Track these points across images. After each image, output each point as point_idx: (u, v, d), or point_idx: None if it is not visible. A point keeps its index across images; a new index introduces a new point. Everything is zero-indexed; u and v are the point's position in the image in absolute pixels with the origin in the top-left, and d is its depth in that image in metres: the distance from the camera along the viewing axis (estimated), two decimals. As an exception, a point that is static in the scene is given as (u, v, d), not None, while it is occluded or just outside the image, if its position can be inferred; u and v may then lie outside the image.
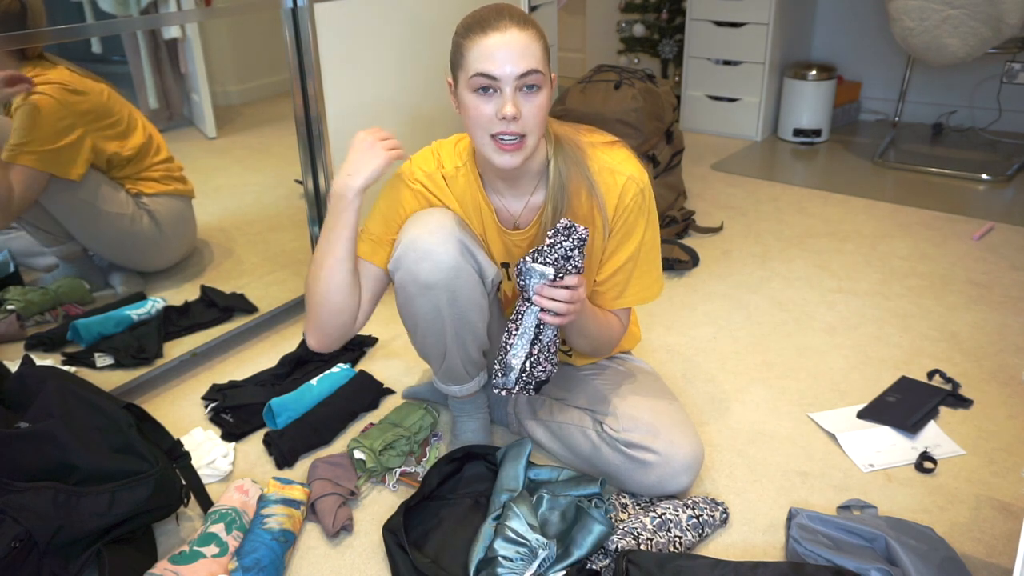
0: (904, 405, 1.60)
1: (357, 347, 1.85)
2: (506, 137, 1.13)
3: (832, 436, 1.53)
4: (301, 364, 1.78)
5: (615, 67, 2.46)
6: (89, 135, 1.78)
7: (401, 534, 1.23)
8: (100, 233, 1.91)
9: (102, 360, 1.74)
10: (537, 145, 1.19)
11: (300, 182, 1.99)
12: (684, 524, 1.25)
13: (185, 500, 1.31)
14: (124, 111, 1.88)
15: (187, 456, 1.36)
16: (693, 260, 2.27)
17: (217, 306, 1.96)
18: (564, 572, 1.16)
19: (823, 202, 2.73)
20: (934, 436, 1.52)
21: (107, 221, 1.89)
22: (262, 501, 1.31)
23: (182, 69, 2.26)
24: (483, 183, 1.28)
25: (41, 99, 1.68)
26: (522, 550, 1.16)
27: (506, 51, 1.09)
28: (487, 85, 1.11)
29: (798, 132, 3.37)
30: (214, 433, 1.56)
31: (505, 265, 1.35)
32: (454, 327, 1.27)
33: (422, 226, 1.22)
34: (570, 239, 1.11)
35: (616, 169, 1.24)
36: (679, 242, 2.34)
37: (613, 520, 1.28)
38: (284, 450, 1.48)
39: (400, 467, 1.43)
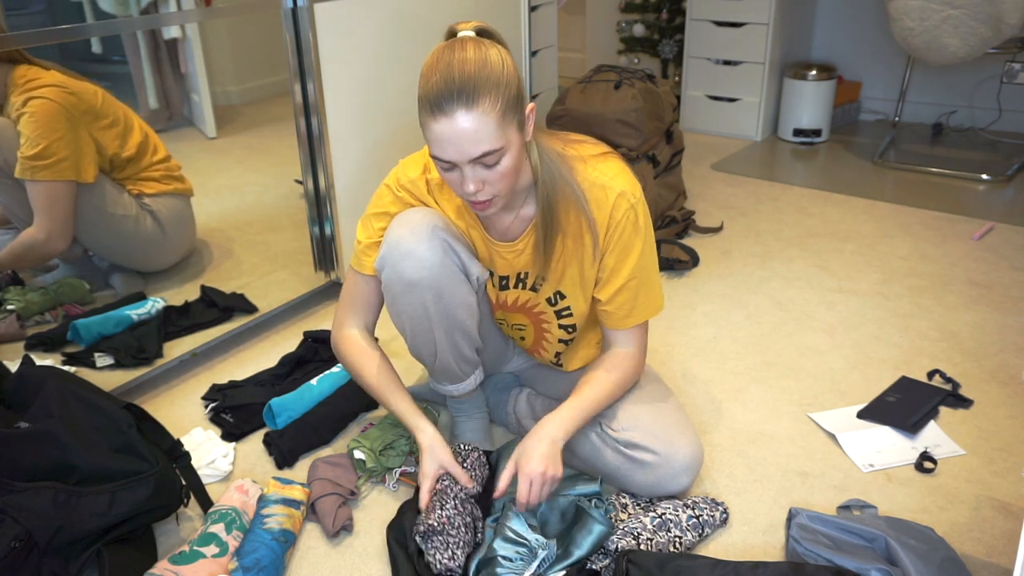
0: (904, 405, 1.60)
1: (357, 347, 1.85)
2: (475, 202, 1.14)
3: (832, 436, 1.53)
4: (301, 364, 1.78)
5: (615, 67, 2.46)
6: (91, 134, 1.79)
7: (404, 534, 1.23)
8: (105, 235, 1.91)
9: (102, 360, 1.74)
10: (511, 192, 1.18)
11: (300, 182, 1.99)
12: (684, 524, 1.25)
13: (185, 500, 1.31)
14: (119, 112, 1.88)
15: (187, 456, 1.36)
16: (693, 260, 2.27)
17: (217, 306, 1.96)
18: (564, 572, 1.16)
19: (823, 202, 2.73)
20: (934, 436, 1.52)
21: (112, 223, 1.90)
22: (262, 501, 1.31)
23: (182, 69, 2.26)
24: None
25: (43, 104, 1.68)
26: (522, 550, 1.16)
27: (455, 139, 1.06)
28: (445, 167, 1.12)
29: (798, 132, 3.37)
30: (214, 433, 1.56)
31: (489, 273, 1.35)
32: (442, 324, 1.27)
33: (405, 225, 1.23)
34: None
35: (607, 185, 1.22)
36: (679, 242, 2.34)
37: (613, 520, 1.28)
38: (284, 450, 1.48)
39: (400, 467, 1.43)
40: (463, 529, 1.20)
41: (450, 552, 1.17)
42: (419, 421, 1.31)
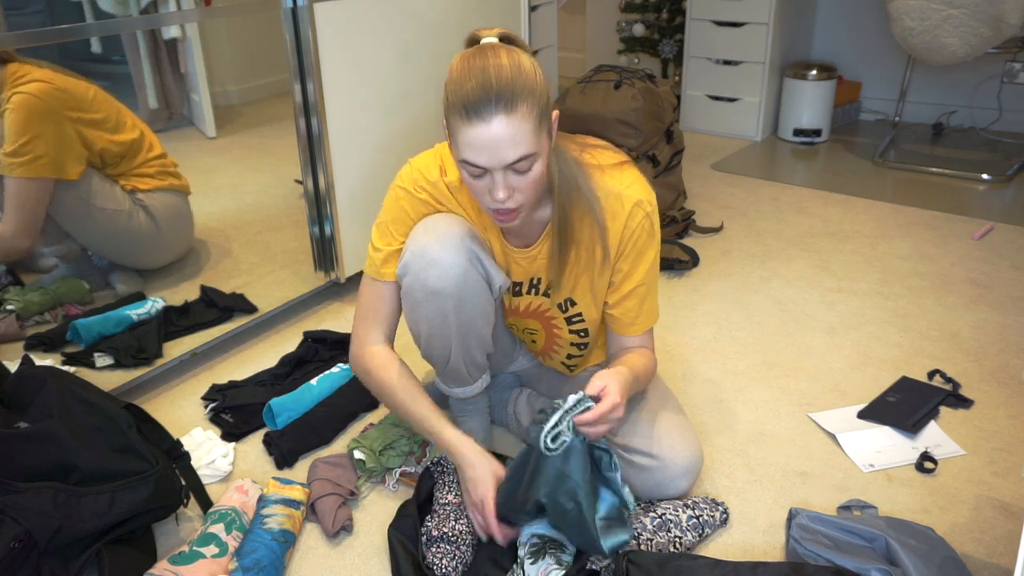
0: (904, 405, 1.60)
1: (357, 347, 1.85)
2: (501, 211, 1.12)
3: (832, 436, 1.53)
4: (301, 364, 1.78)
5: (615, 67, 2.46)
6: (79, 130, 1.78)
7: (407, 534, 1.24)
8: (98, 230, 1.91)
9: (102, 360, 1.74)
10: (535, 201, 1.16)
11: (300, 182, 1.99)
12: (684, 524, 1.25)
13: (185, 500, 1.31)
14: (112, 108, 1.88)
15: (187, 456, 1.36)
16: (693, 260, 2.27)
17: (217, 306, 1.96)
18: (563, 572, 1.16)
19: (823, 202, 2.73)
20: (934, 436, 1.52)
21: (104, 218, 1.89)
22: (262, 501, 1.31)
23: (182, 69, 2.26)
24: None
25: (23, 100, 1.68)
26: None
27: (493, 145, 1.04)
28: (475, 173, 1.09)
29: (798, 132, 3.37)
30: (214, 433, 1.56)
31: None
32: (459, 333, 1.26)
33: (431, 232, 1.21)
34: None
35: (623, 193, 1.22)
36: (679, 242, 2.34)
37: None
38: (284, 450, 1.48)
39: (400, 467, 1.43)
40: (469, 548, 1.22)
41: (454, 564, 1.19)
42: (460, 446, 1.25)
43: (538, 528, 1.20)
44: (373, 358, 1.31)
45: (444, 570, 1.17)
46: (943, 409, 1.60)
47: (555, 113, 1.13)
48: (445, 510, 1.26)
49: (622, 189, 1.22)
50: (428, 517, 1.26)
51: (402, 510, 1.31)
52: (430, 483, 1.35)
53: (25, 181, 1.71)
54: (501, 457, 1.48)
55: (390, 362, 1.31)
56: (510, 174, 1.08)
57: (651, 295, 1.30)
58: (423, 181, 1.26)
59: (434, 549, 1.20)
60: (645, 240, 1.24)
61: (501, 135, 1.03)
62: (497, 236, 1.29)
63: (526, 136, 1.05)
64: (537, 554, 1.17)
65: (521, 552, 1.19)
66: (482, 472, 1.22)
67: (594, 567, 1.18)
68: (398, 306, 1.32)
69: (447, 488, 1.30)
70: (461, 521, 1.23)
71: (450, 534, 1.21)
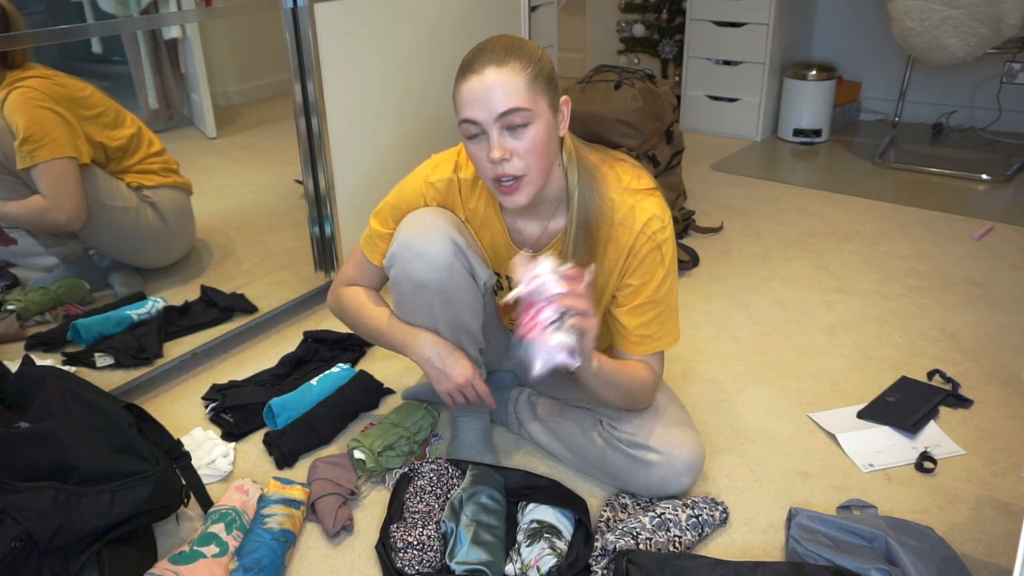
0: (904, 405, 1.60)
1: (357, 347, 1.85)
2: (504, 179, 1.12)
3: (832, 436, 1.53)
4: (301, 364, 1.78)
5: (615, 67, 2.46)
6: (78, 120, 1.80)
7: (384, 544, 1.25)
8: (107, 229, 1.91)
9: (102, 360, 1.74)
10: (544, 178, 1.15)
11: (300, 182, 1.99)
12: (683, 524, 1.25)
13: (185, 500, 1.31)
14: (109, 105, 1.90)
15: (187, 456, 1.36)
16: (693, 260, 2.27)
17: (217, 306, 1.96)
18: (555, 559, 1.17)
19: (823, 202, 2.73)
20: (934, 436, 1.52)
21: (113, 216, 1.90)
22: (262, 501, 1.31)
23: (182, 69, 2.27)
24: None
25: (24, 92, 1.71)
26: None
27: (483, 93, 1.07)
28: (472, 132, 1.11)
29: (798, 132, 3.37)
30: (214, 433, 1.56)
31: (509, 279, 1.35)
32: (448, 326, 1.27)
33: (417, 225, 1.23)
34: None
35: (637, 219, 1.21)
36: (679, 242, 2.34)
37: (612, 519, 1.28)
38: (284, 450, 1.48)
39: (400, 467, 1.43)
40: (437, 553, 1.22)
41: (425, 568, 1.20)
42: (437, 343, 1.28)
43: (540, 514, 1.25)
44: (348, 292, 1.39)
45: (413, 570, 1.19)
46: (943, 409, 1.60)
47: (565, 99, 1.15)
48: (414, 518, 1.28)
49: (636, 215, 1.21)
50: (395, 525, 1.27)
51: (388, 517, 1.32)
52: (405, 489, 1.37)
53: (52, 163, 1.73)
54: (503, 467, 1.48)
55: (359, 291, 1.38)
56: (505, 134, 1.10)
57: (662, 319, 1.27)
58: (435, 177, 1.29)
59: (402, 555, 1.21)
60: (652, 266, 1.23)
61: (492, 83, 1.07)
62: (504, 241, 1.29)
63: (519, 89, 1.08)
64: (533, 537, 1.20)
65: (520, 536, 1.23)
66: (462, 359, 1.29)
67: (594, 567, 1.18)
68: (381, 282, 1.39)
69: (417, 496, 1.32)
70: (429, 527, 1.25)
71: (414, 542, 1.22)
